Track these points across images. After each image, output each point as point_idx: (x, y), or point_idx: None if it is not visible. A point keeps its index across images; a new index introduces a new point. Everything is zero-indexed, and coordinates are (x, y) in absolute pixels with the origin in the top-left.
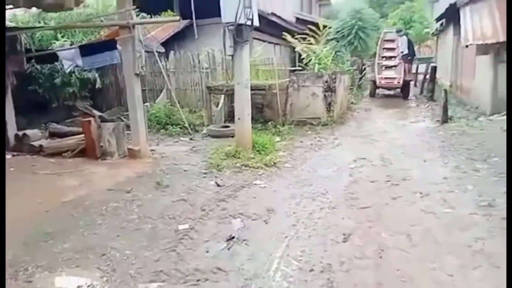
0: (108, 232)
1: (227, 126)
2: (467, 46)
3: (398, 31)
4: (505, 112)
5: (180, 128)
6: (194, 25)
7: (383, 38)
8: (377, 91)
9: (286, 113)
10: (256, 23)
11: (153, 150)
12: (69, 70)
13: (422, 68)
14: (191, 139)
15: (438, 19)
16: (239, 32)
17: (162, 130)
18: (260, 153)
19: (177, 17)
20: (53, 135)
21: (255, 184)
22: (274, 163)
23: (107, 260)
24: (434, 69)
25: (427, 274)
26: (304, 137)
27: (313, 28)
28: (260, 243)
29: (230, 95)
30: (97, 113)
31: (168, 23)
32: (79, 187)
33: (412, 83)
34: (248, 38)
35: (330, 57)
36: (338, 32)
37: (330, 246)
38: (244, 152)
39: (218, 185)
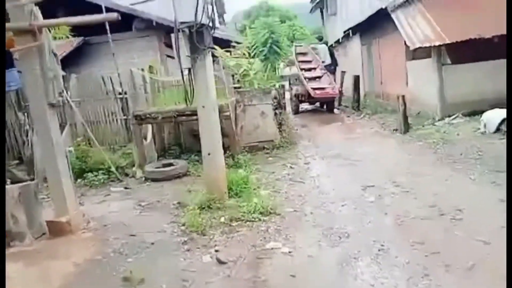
0: None
1: (170, 164)
2: (415, 50)
3: (319, 39)
4: (457, 115)
5: (104, 173)
6: (110, 38)
7: (296, 52)
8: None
9: (238, 139)
10: (218, 24)
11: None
12: None
13: None
14: (126, 187)
15: (346, 31)
16: (199, 36)
17: (79, 180)
18: (239, 197)
19: (115, 14)
20: None
21: (272, 249)
22: (272, 210)
23: None
24: (357, 79)
25: None
26: (271, 166)
27: (238, 41)
28: None
29: (164, 124)
30: None
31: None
32: None
33: None
34: (211, 44)
35: (266, 72)
36: (252, 46)
37: None
38: (221, 200)
39: (221, 262)
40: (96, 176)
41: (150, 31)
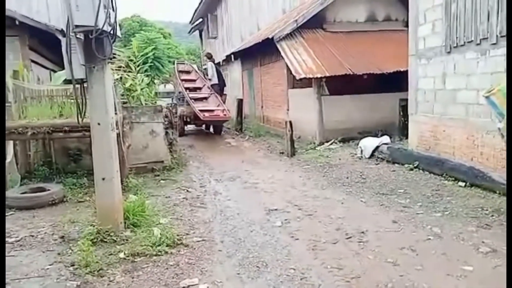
0: None
1: (41, 189)
2: (300, 79)
3: (209, 57)
4: (333, 140)
5: None
6: None
7: (178, 70)
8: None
9: (125, 160)
10: (119, 33)
11: None
12: None
13: None
14: None
15: (228, 55)
16: (98, 44)
17: None
18: (137, 227)
19: None
20: None
21: (189, 287)
22: (179, 241)
23: None
24: (240, 101)
25: None
26: (165, 190)
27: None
28: None
29: (31, 140)
30: None
31: None
32: None
33: None
34: (111, 54)
35: (153, 88)
36: (131, 61)
37: None
38: (117, 231)
39: None
40: None
41: (10, 31)
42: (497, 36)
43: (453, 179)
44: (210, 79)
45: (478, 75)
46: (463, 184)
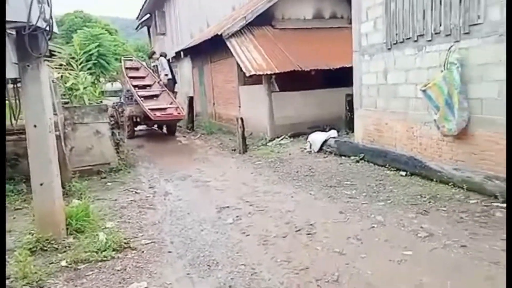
0: None
1: None
2: (251, 76)
3: (161, 55)
4: (284, 136)
5: None
6: None
7: (125, 67)
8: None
9: (67, 162)
10: (56, 29)
11: None
12: None
13: None
14: None
15: (178, 52)
16: (32, 41)
17: None
18: (81, 233)
19: None
20: None
21: None
22: (126, 244)
23: None
24: (191, 99)
25: None
26: (111, 192)
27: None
28: None
29: None
30: None
31: None
32: None
33: None
34: (47, 51)
35: (97, 86)
36: (73, 58)
37: None
38: (58, 238)
39: None
40: None
41: None
42: (431, 33)
43: (395, 169)
44: (166, 75)
45: (416, 70)
46: (404, 173)
